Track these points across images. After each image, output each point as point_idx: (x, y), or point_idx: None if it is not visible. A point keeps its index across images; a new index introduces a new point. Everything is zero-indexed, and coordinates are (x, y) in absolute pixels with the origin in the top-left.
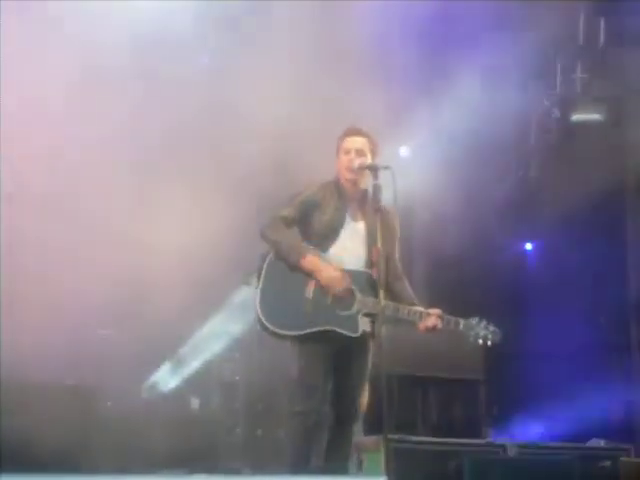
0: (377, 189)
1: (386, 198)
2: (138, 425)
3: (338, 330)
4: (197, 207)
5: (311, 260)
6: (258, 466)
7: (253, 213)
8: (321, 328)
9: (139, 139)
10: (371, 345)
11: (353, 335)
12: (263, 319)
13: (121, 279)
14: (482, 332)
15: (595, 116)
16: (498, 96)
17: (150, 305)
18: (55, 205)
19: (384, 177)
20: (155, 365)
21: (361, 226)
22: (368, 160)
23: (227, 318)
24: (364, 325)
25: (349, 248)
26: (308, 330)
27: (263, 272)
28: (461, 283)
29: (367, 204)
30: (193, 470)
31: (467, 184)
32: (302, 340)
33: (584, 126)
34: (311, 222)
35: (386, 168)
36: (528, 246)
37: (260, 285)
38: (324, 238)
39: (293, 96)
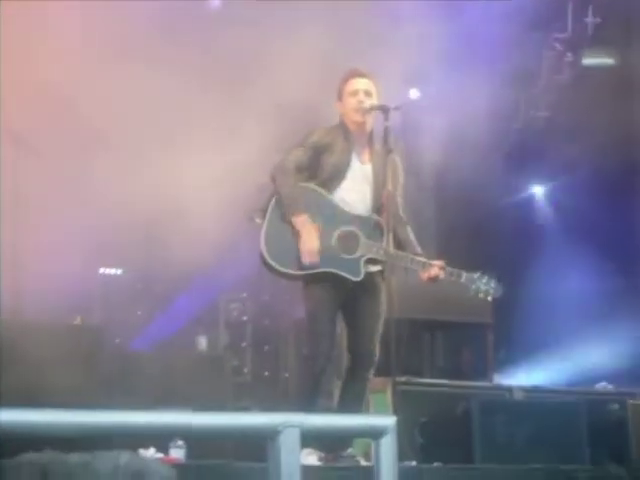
0: (387, 131)
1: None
2: (145, 364)
3: (340, 273)
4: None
5: (301, 221)
6: (266, 406)
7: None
8: (323, 270)
9: (171, 72)
10: (383, 289)
11: (354, 279)
12: (266, 255)
13: (132, 216)
14: (483, 287)
15: (606, 60)
16: (509, 36)
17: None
18: (62, 149)
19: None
20: (163, 304)
21: (368, 168)
22: (375, 101)
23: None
24: (370, 268)
25: (355, 190)
26: (310, 271)
27: (269, 210)
28: (470, 226)
29: (373, 146)
30: (200, 408)
31: (476, 124)
32: (307, 281)
33: (595, 69)
34: (320, 164)
35: (397, 109)
36: (537, 189)
37: (265, 222)
38: (330, 180)
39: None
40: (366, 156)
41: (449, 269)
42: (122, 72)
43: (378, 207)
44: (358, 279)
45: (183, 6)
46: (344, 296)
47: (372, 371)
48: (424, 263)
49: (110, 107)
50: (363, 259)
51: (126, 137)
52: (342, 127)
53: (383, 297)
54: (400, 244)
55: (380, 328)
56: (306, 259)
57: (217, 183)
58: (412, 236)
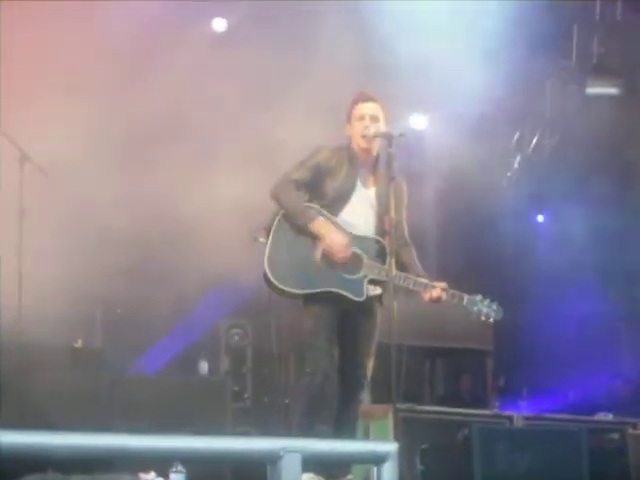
0: (391, 157)
1: (398, 165)
2: (146, 388)
3: (343, 293)
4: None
5: (320, 224)
6: (266, 431)
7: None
8: (326, 289)
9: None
10: (378, 312)
11: (357, 299)
12: (269, 274)
13: (134, 241)
14: (485, 309)
15: (611, 89)
16: (514, 66)
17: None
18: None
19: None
20: (164, 329)
21: (372, 193)
22: (382, 127)
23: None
24: (371, 291)
25: (359, 214)
26: (313, 290)
27: (272, 229)
28: (472, 253)
29: (378, 171)
30: (200, 432)
31: (481, 151)
32: (308, 301)
33: (599, 98)
34: (322, 187)
35: (401, 136)
36: (540, 217)
37: (269, 242)
38: (335, 203)
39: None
40: (370, 180)
41: (451, 291)
42: (128, 92)
43: (382, 231)
44: (361, 299)
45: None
46: (341, 315)
47: (363, 394)
48: (426, 284)
49: (118, 127)
50: (366, 279)
51: (133, 160)
52: (348, 149)
53: (378, 321)
54: (403, 266)
55: (372, 352)
56: (340, 253)
57: (222, 208)
58: (416, 259)
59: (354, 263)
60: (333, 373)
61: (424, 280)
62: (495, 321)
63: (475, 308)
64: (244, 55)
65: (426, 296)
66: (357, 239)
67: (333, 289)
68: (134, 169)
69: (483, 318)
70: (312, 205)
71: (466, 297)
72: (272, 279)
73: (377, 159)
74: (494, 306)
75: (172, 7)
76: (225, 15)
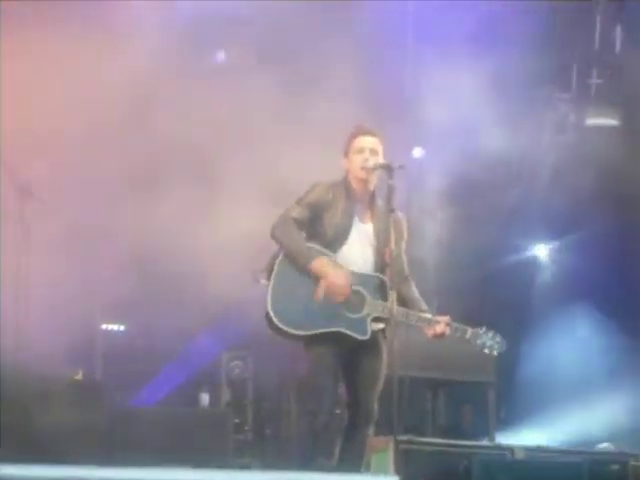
0: (391, 189)
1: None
2: (146, 420)
3: (347, 332)
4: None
5: (320, 263)
6: (267, 463)
7: None
8: (330, 329)
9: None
10: (384, 347)
11: (361, 338)
12: (273, 317)
13: (137, 272)
14: (488, 342)
15: (610, 121)
16: (514, 98)
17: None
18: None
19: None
20: (165, 360)
21: (369, 228)
22: (380, 159)
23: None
24: (374, 327)
25: (358, 250)
26: (317, 330)
27: (274, 270)
28: (473, 286)
29: (375, 205)
30: (201, 465)
31: (480, 185)
32: (311, 340)
33: (599, 130)
34: (321, 223)
35: (401, 167)
36: (540, 249)
37: (271, 283)
38: (334, 240)
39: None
40: (368, 215)
41: (454, 325)
42: (133, 124)
43: (381, 267)
44: (365, 338)
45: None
46: (346, 353)
47: (371, 428)
48: (430, 320)
49: (123, 158)
50: (369, 318)
51: (139, 191)
52: (345, 184)
53: (384, 355)
54: (405, 302)
55: (380, 385)
56: (339, 295)
57: (222, 244)
58: (417, 293)
59: (357, 301)
60: (334, 409)
61: (427, 315)
62: (498, 353)
63: (479, 341)
64: (245, 87)
65: (430, 332)
66: (358, 276)
67: (337, 329)
68: (140, 200)
69: (487, 351)
70: (312, 245)
71: (469, 330)
72: (276, 322)
73: (374, 194)
74: (497, 338)
75: (174, 40)
76: (225, 47)
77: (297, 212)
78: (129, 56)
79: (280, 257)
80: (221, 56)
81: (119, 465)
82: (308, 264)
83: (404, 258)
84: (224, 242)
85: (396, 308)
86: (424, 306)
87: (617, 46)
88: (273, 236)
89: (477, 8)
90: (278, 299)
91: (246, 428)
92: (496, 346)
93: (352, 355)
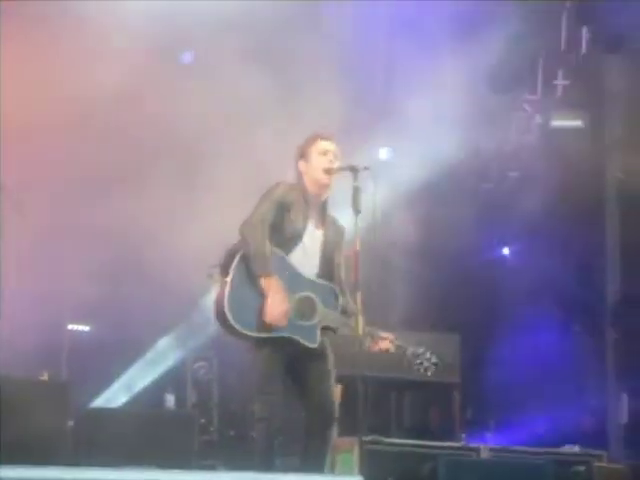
0: (357, 191)
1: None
2: (112, 421)
3: (296, 339)
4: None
5: (270, 283)
6: (232, 464)
7: None
8: (283, 334)
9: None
10: (329, 348)
11: (311, 346)
12: (228, 314)
13: (104, 273)
14: (425, 363)
15: (575, 122)
16: (479, 99)
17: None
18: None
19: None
20: (131, 361)
21: (320, 234)
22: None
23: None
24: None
25: (307, 254)
26: (269, 335)
27: (233, 268)
28: (439, 287)
29: (326, 213)
30: (167, 466)
31: (447, 186)
32: (260, 345)
33: (564, 131)
34: (281, 223)
35: (366, 169)
36: (505, 250)
37: (229, 281)
38: (288, 241)
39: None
40: (320, 221)
41: (397, 343)
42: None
43: (326, 274)
44: (314, 346)
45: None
46: (293, 357)
47: (333, 428)
48: (374, 335)
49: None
50: (319, 326)
51: (108, 190)
52: (301, 187)
53: (331, 355)
54: (346, 313)
55: (333, 386)
56: (274, 321)
57: (188, 243)
58: (352, 302)
59: (308, 309)
60: (288, 414)
61: (373, 330)
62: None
63: (417, 361)
64: (214, 85)
65: (374, 347)
66: (311, 283)
67: (287, 335)
68: (112, 199)
69: (422, 371)
70: (275, 251)
71: (410, 350)
72: (231, 320)
73: (326, 201)
74: (433, 359)
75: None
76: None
77: (266, 212)
78: (108, 53)
79: (239, 256)
80: (188, 56)
81: (84, 466)
82: (262, 276)
83: (342, 269)
84: (195, 243)
85: (345, 319)
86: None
87: (583, 48)
88: (241, 233)
89: (444, 9)
90: (234, 298)
91: (211, 429)
92: (432, 368)
93: (300, 358)
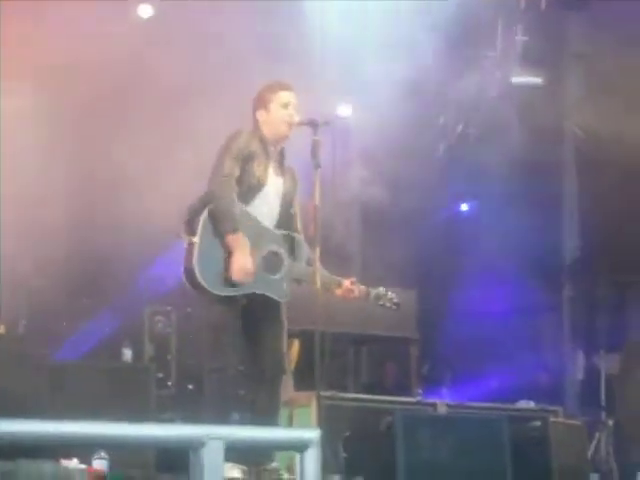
0: (316, 145)
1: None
2: (69, 374)
3: (267, 294)
4: None
5: (236, 239)
6: (190, 418)
7: None
8: (252, 290)
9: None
10: (283, 305)
11: (281, 300)
12: (197, 273)
13: (63, 227)
14: (387, 303)
15: (535, 79)
16: (439, 55)
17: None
18: None
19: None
20: (88, 315)
21: (280, 183)
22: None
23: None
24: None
25: (266, 204)
26: (237, 292)
27: (200, 226)
28: (397, 242)
29: (284, 161)
30: (124, 419)
31: (405, 140)
32: (215, 299)
33: (524, 87)
34: (243, 173)
35: (326, 124)
36: (464, 206)
37: (198, 237)
38: (249, 192)
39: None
40: (279, 170)
41: (360, 287)
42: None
43: (285, 223)
44: (284, 300)
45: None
46: (246, 308)
47: (282, 380)
48: (339, 281)
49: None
50: (286, 279)
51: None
52: (260, 137)
53: (283, 308)
54: (310, 263)
55: (284, 337)
56: (240, 278)
57: (148, 194)
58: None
59: (275, 262)
60: (242, 365)
61: (335, 277)
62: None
63: (380, 302)
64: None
65: (339, 293)
66: (276, 237)
67: (256, 291)
68: (71, 156)
69: (386, 308)
70: (239, 205)
71: (373, 291)
72: (199, 278)
73: (283, 151)
74: (394, 299)
75: None
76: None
77: (231, 165)
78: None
79: (206, 212)
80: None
81: (42, 418)
82: (228, 234)
83: (299, 219)
84: (164, 191)
85: (309, 268)
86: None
87: (542, 4)
88: (210, 189)
89: None
90: (202, 256)
91: (169, 383)
92: (394, 307)
93: (253, 309)
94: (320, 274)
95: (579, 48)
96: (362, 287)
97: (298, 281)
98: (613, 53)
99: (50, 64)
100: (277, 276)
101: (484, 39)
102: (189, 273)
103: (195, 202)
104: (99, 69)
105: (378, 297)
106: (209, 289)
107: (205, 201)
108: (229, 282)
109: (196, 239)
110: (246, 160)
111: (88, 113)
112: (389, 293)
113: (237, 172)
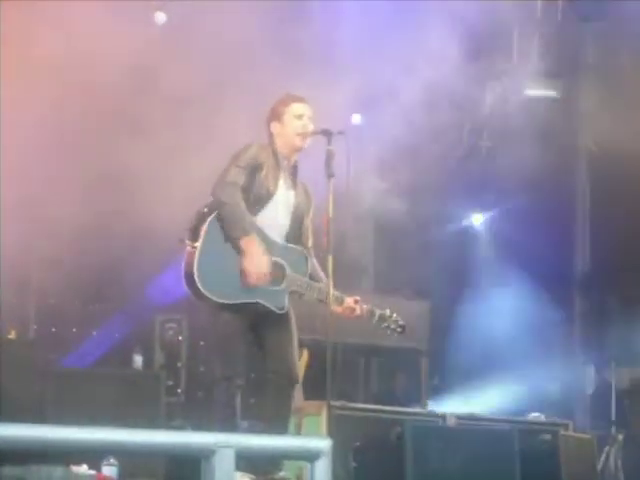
0: (330, 155)
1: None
2: (79, 381)
3: (265, 304)
4: None
5: (249, 242)
6: (199, 426)
7: None
8: (251, 300)
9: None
10: (292, 314)
11: (279, 312)
12: (197, 280)
13: (73, 232)
14: (392, 325)
15: (550, 92)
16: (454, 66)
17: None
18: None
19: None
20: (99, 322)
21: (291, 195)
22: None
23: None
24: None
25: (279, 216)
26: (237, 301)
27: (205, 231)
28: (410, 254)
29: (297, 174)
30: (134, 426)
31: (420, 153)
32: (220, 308)
33: (539, 100)
34: (251, 183)
35: (340, 133)
36: (477, 218)
37: (200, 244)
38: (257, 202)
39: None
40: (291, 183)
41: (363, 306)
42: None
43: (294, 236)
44: (283, 312)
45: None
46: (254, 319)
47: (294, 391)
48: (342, 298)
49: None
50: (288, 291)
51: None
52: (273, 149)
53: (292, 315)
54: (311, 277)
55: (295, 347)
56: (257, 279)
57: (163, 200)
58: (319, 270)
59: (277, 274)
60: (250, 374)
61: (338, 293)
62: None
63: (384, 324)
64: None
65: (341, 310)
66: (280, 248)
67: (256, 300)
68: (82, 161)
69: (389, 332)
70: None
71: (377, 312)
72: (200, 286)
73: (296, 166)
74: (400, 322)
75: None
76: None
77: (236, 173)
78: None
79: (211, 218)
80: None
81: (51, 424)
82: (240, 237)
83: (310, 231)
84: (180, 197)
85: (312, 283)
86: (324, 279)
87: (558, 16)
88: (214, 194)
89: None
90: (204, 262)
91: (179, 390)
92: (399, 329)
93: (261, 320)
94: (320, 287)
95: (594, 60)
96: (366, 307)
97: (299, 294)
98: (629, 65)
99: (62, 64)
100: (279, 287)
101: (500, 50)
102: (189, 279)
103: (201, 209)
104: (113, 72)
105: (383, 319)
106: (209, 296)
107: (211, 208)
108: (244, 286)
109: (197, 245)
110: (254, 170)
111: (103, 117)
112: (394, 315)
113: (242, 180)
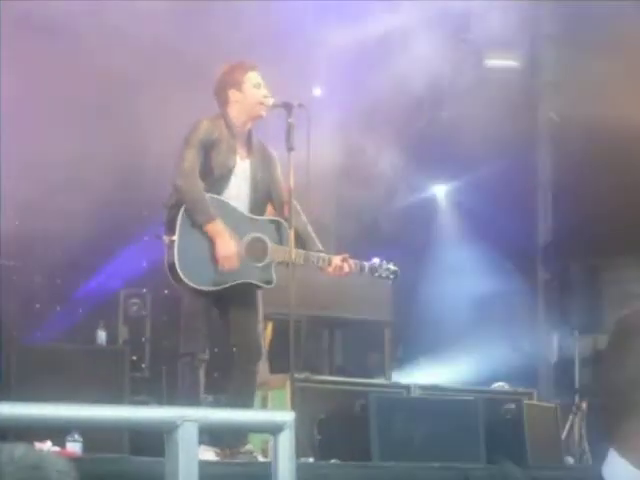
0: (290, 127)
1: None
2: (42, 357)
3: (254, 282)
4: None
5: (215, 227)
6: (164, 400)
7: None
8: (239, 282)
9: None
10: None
11: (268, 287)
12: (180, 272)
13: (35, 204)
14: (384, 273)
15: (510, 62)
16: (410, 38)
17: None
18: None
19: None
20: (62, 298)
21: (247, 164)
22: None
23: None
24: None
25: (237, 188)
26: (226, 285)
27: (179, 223)
28: (371, 225)
29: (252, 141)
30: (98, 401)
31: (378, 124)
32: (208, 294)
33: (499, 70)
34: (208, 162)
35: (300, 106)
36: (439, 189)
37: (177, 235)
38: (219, 179)
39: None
40: (245, 151)
41: (352, 261)
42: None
43: (258, 204)
44: (272, 286)
45: None
46: (219, 293)
47: (259, 364)
48: (329, 258)
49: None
50: (273, 264)
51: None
52: (226, 119)
53: (260, 299)
54: (301, 241)
55: (260, 322)
56: (225, 266)
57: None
58: (311, 231)
59: (260, 249)
60: (213, 349)
61: (325, 255)
62: (394, 291)
63: (376, 274)
64: None
65: (330, 270)
66: (257, 223)
67: (245, 280)
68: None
69: (384, 280)
70: (211, 195)
71: (367, 265)
72: (182, 276)
73: (251, 132)
74: (392, 267)
75: None
76: None
77: (191, 157)
78: None
79: (183, 210)
80: None
81: (15, 401)
82: (206, 223)
83: (284, 191)
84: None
85: (297, 251)
86: (319, 244)
87: None
88: (175, 186)
89: None
90: (184, 254)
91: (143, 365)
92: (392, 275)
93: (226, 294)
94: (308, 254)
95: (555, 31)
96: (355, 262)
97: (286, 264)
98: (590, 34)
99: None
100: (263, 263)
101: (458, 22)
102: (172, 271)
103: (167, 201)
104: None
105: (374, 269)
106: (195, 286)
107: (175, 199)
108: (218, 274)
109: (175, 237)
110: (210, 148)
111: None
112: (384, 263)
113: (199, 162)
